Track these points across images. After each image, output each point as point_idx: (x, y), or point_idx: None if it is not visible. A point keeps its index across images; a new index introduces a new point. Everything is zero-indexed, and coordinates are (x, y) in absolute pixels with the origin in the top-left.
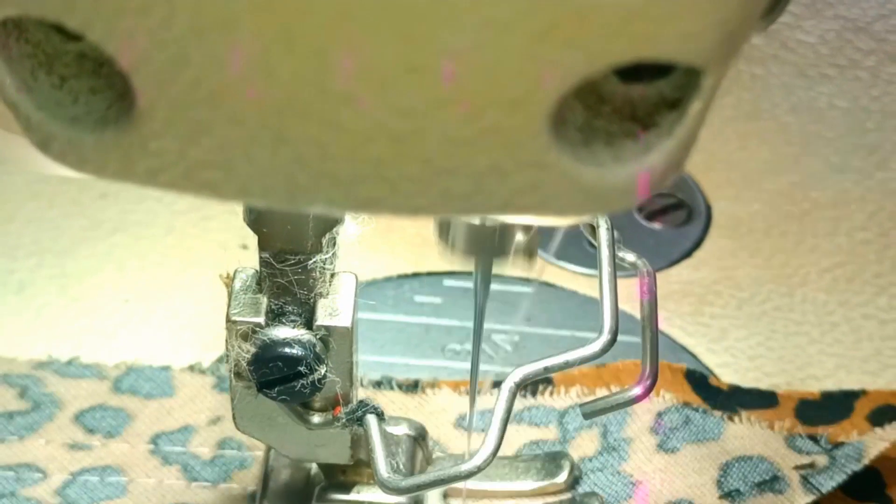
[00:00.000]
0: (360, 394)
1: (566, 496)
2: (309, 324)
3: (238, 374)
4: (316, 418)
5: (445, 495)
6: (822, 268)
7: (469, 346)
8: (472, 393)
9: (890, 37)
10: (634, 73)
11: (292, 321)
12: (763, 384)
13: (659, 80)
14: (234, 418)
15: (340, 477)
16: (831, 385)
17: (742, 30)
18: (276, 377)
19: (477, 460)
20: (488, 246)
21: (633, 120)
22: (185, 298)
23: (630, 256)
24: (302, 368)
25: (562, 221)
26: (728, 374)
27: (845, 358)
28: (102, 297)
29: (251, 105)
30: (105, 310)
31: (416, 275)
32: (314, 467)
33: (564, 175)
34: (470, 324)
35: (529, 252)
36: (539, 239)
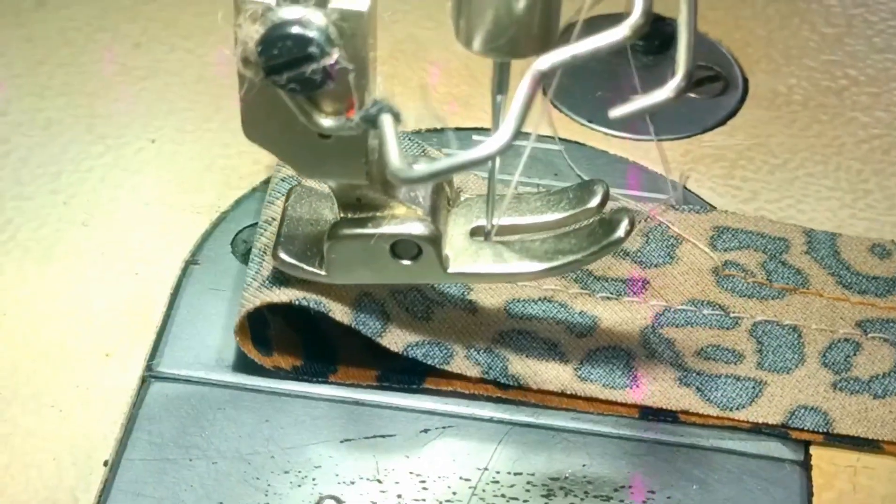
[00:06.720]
0: None
1: (596, 217)
2: (324, 7)
3: (245, 61)
4: (328, 121)
5: (472, 233)
6: (859, 139)
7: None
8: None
9: None
10: None
11: (306, 3)
12: None
13: None
14: (242, 122)
15: (355, 211)
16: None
17: None
18: (285, 60)
19: (494, 143)
20: (507, 39)
21: None
22: (211, 141)
23: None
24: (312, 50)
25: None
26: None
27: (877, 222)
28: (129, 136)
29: None
30: (130, 148)
31: (442, 129)
32: (331, 212)
33: None
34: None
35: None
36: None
